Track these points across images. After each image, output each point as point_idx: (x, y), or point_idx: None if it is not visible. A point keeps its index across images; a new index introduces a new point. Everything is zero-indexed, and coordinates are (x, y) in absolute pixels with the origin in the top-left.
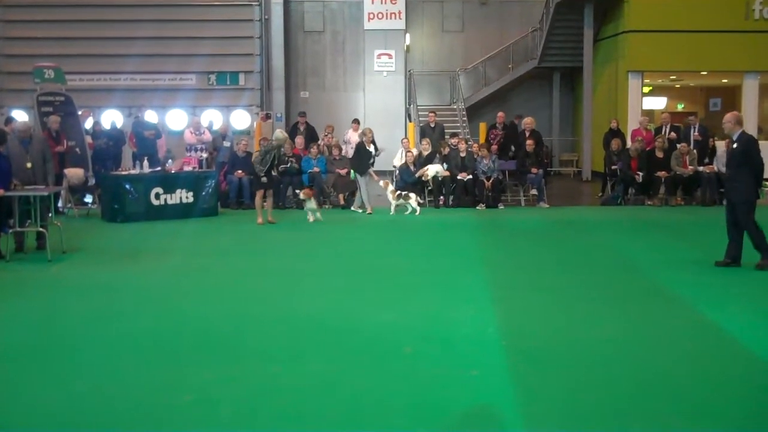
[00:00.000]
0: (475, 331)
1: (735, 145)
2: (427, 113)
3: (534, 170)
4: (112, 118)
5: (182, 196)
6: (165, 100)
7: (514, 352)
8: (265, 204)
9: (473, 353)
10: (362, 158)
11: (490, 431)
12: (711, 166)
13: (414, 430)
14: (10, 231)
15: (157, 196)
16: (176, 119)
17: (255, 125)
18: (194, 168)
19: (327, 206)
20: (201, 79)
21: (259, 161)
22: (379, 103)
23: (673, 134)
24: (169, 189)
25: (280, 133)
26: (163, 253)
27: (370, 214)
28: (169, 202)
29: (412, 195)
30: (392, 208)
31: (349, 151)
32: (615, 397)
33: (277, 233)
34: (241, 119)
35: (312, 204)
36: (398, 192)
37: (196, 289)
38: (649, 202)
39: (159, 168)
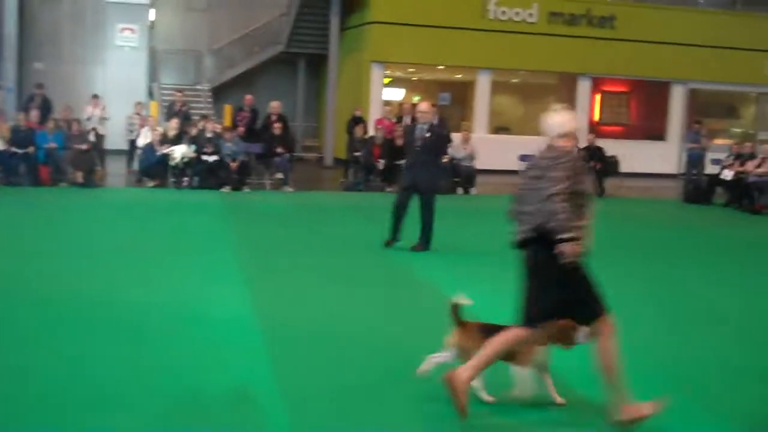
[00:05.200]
0: (227, 311)
1: (428, 134)
2: (170, 92)
3: (281, 150)
4: None
5: None
6: None
7: (269, 332)
8: None
9: (227, 333)
10: None
11: (249, 410)
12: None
13: (170, 411)
14: None
15: None
16: None
17: None
18: None
19: (63, 184)
20: None
21: None
22: (121, 78)
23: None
24: None
25: None
26: None
27: None
28: None
29: None
30: None
31: (88, 127)
32: (375, 374)
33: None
34: None
35: None
36: None
37: None
38: (389, 189)
39: None
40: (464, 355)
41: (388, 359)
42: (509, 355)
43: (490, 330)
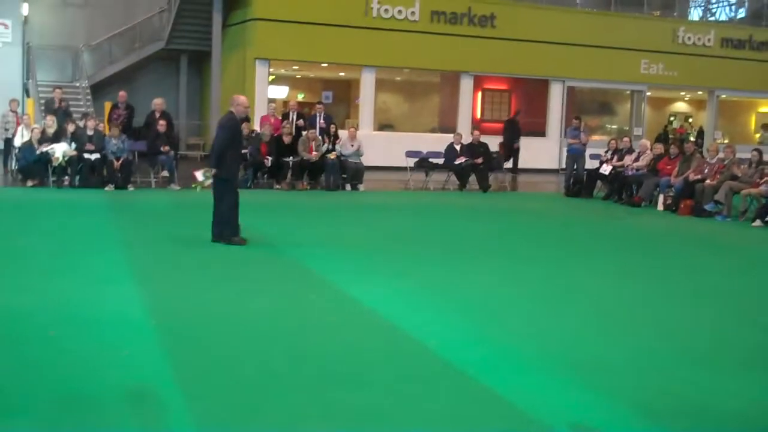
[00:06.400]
0: (118, 311)
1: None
2: (48, 89)
3: (165, 147)
4: None
5: None
6: None
7: (163, 330)
8: None
9: (121, 333)
10: None
11: (149, 407)
12: (335, 153)
13: (65, 413)
14: None
15: None
16: None
17: None
18: None
19: None
20: None
21: None
22: None
23: (300, 121)
24: None
25: None
26: None
27: None
28: None
29: None
30: None
31: None
32: (273, 365)
33: None
34: None
35: None
36: None
37: None
38: (277, 186)
39: None
40: None
41: (285, 350)
42: None
43: None
